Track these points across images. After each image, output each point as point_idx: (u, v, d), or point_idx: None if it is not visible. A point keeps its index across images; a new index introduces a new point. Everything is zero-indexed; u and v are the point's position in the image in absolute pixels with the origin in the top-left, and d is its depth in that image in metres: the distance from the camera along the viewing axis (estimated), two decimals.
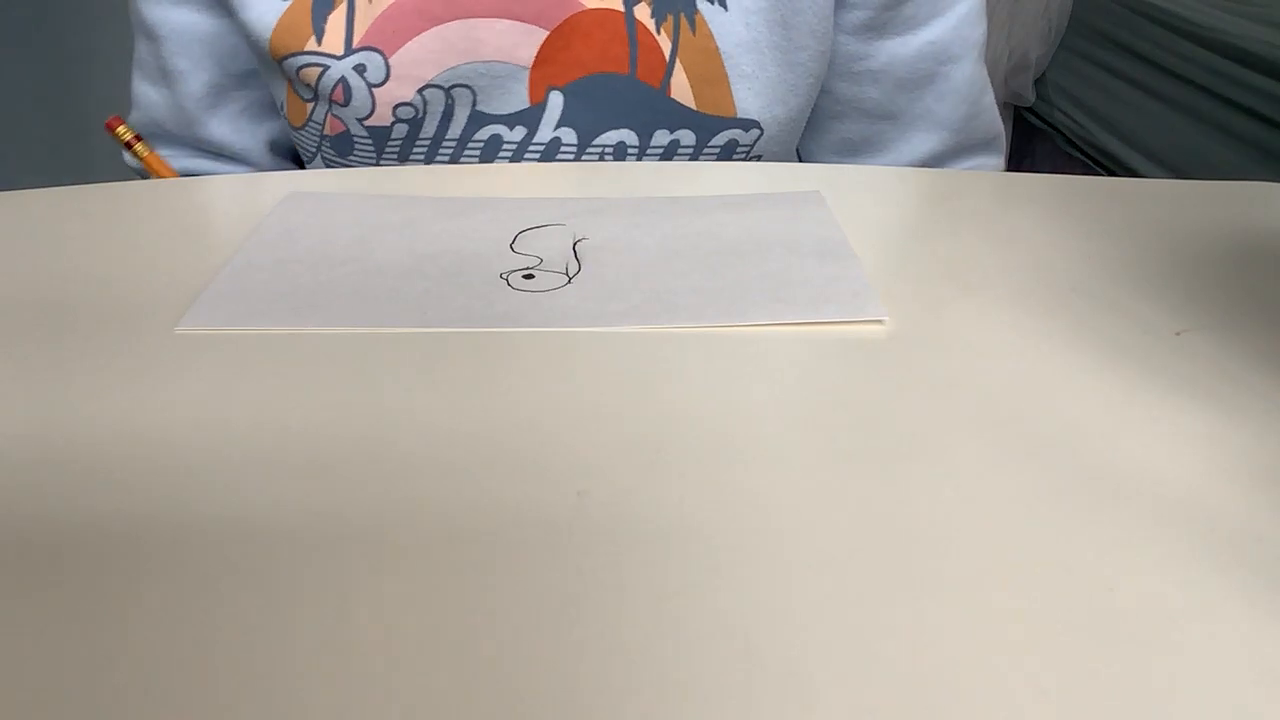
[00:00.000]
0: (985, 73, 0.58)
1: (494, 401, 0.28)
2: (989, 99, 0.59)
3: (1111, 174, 1.56)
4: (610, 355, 0.31)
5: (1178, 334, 0.32)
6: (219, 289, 0.34)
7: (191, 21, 0.56)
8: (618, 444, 0.26)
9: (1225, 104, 1.36)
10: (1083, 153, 1.68)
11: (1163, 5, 1.52)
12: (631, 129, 0.53)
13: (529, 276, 0.35)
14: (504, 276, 0.35)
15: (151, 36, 0.56)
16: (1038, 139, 1.85)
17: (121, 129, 0.52)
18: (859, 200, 0.43)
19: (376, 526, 0.23)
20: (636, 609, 0.21)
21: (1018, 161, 1.90)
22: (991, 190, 0.46)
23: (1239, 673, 0.20)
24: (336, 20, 0.51)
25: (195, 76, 0.57)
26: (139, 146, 0.52)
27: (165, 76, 0.57)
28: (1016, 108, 1.86)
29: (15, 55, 1.41)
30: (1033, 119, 1.83)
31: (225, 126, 0.59)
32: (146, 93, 0.58)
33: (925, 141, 0.58)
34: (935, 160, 0.59)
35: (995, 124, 0.60)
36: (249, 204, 0.41)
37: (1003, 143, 0.61)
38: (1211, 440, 0.27)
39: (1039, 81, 1.81)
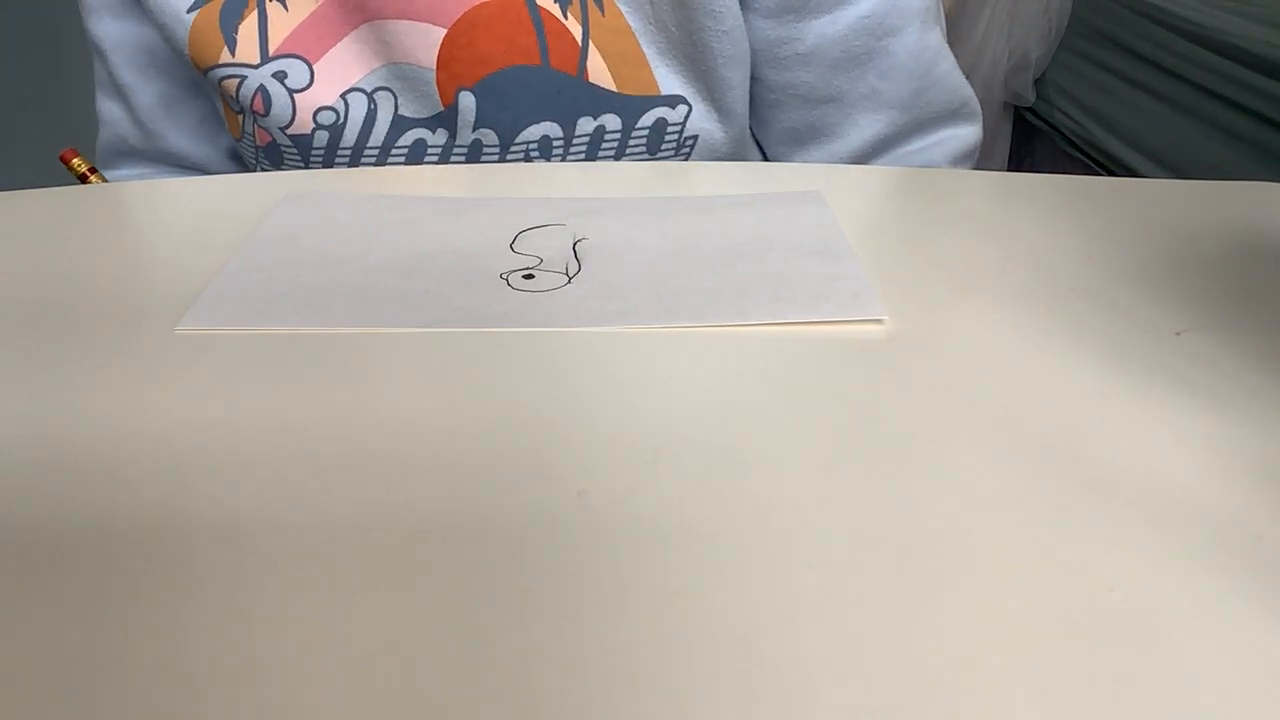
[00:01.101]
0: (938, 40, 0.55)
1: (494, 401, 0.28)
2: (944, 68, 0.55)
3: (1111, 174, 1.56)
4: (610, 355, 0.31)
5: (1178, 334, 0.32)
6: (219, 289, 0.34)
7: (133, 34, 0.55)
8: (618, 444, 0.26)
9: (1225, 104, 1.36)
10: (1083, 153, 1.68)
11: (1163, 5, 1.52)
12: (553, 121, 0.51)
13: (529, 276, 0.35)
14: (504, 276, 0.35)
15: (100, 52, 0.56)
16: (1038, 139, 1.85)
17: (76, 161, 0.50)
18: (859, 200, 0.43)
19: (376, 526, 0.23)
20: (636, 609, 0.21)
21: (1018, 161, 1.90)
22: (991, 190, 0.46)
23: (1239, 673, 0.20)
24: (248, 30, 0.51)
25: (144, 88, 0.56)
26: (94, 179, 0.51)
27: (118, 91, 0.57)
28: (1016, 108, 1.86)
29: (15, 55, 1.41)
30: (1033, 119, 1.83)
31: (184, 138, 0.58)
32: (109, 109, 0.58)
33: (874, 123, 0.55)
34: (892, 141, 0.56)
35: (957, 93, 0.56)
36: (249, 204, 0.41)
37: (973, 109, 0.57)
38: (1211, 440, 0.27)
39: (1039, 81, 1.81)
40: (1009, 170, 0.58)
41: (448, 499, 0.24)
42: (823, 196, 0.42)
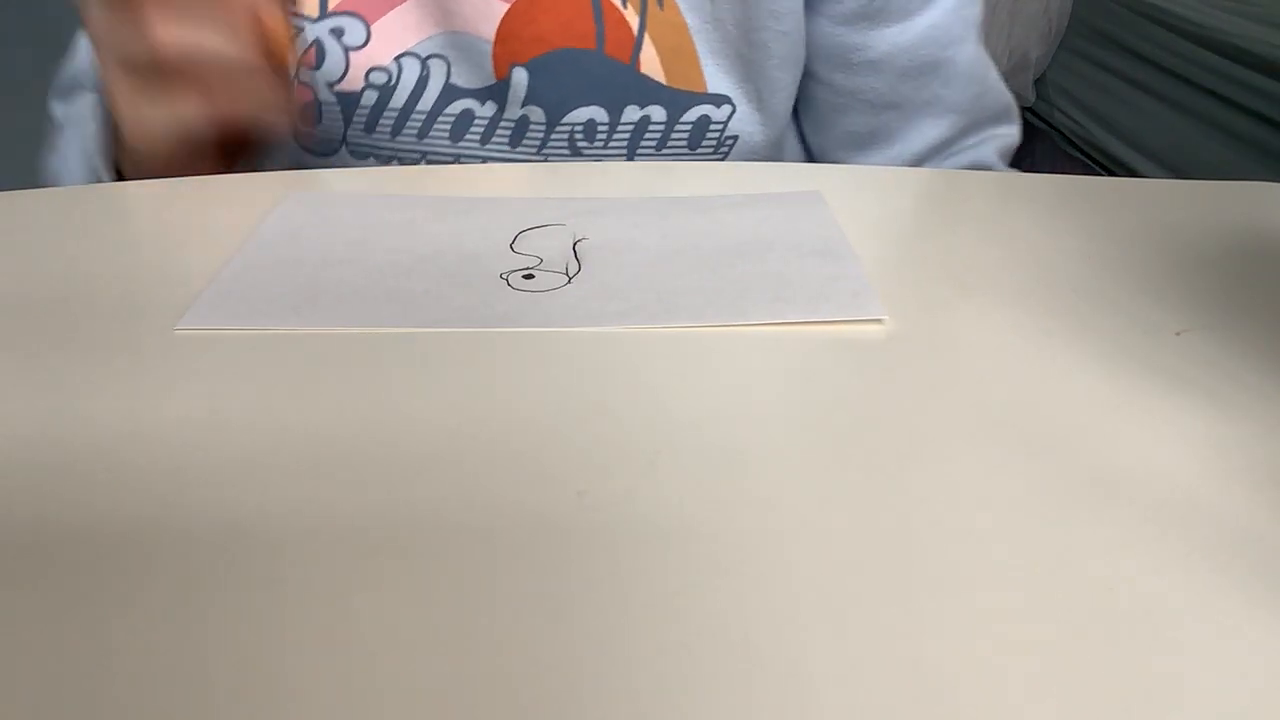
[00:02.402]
0: (985, 51, 0.57)
1: (494, 401, 0.28)
2: (995, 74, 0.58)
3: (1111, 174, 1.56)
4: (610, 355, 0.31)
5: (1178, 334, 0.32)
6: (219, 289, 0.34)
7: None
8: (618, 444, 0.26)
9: (1225, 104, 1.36)
10: (1083, 153, 1.68)
11: (1163, 5, 1.52)
12: (601, 106, 0.52)
13: (529, 276, 0.35)
14: (504, 276, 0.35)
15: None
16: (1038, 139, 1.85)
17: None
18: (859, 200, 0.43)
19: (376, 526, 0.23)
20: (636, 609, 0.21)
21: (1018, 161, 1.90)
22: (991, 190, 0.46)
23: (1239, 672, 0.20)
24: None
25: None
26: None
27: None
28: None
29: (15, 55, 1.41)
30: (1033, 119, 1.84)
31: None
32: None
33: (935, 127, 0.56)
34: (948, 142, 0.57)
35: (1004, 95, 0.59)
36: (249, 204, 0.41)
37: (1016, 111, 0.60)
38: (1211, 440, 0.27)
39: (1039, 81, 1.81)
40: (1009, 170, 0.59)
41: (448, 499, 0.24)
42: (823, 196, 0.42)
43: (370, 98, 0.53)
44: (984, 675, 0.20)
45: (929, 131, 0.56)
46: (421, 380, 0.29)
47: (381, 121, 0.53)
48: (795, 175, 0.46)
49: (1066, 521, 0.24)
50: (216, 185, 0.47)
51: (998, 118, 0.59)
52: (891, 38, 0.53)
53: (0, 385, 0.29)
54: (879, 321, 0.32)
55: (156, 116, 0.42)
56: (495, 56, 0.52)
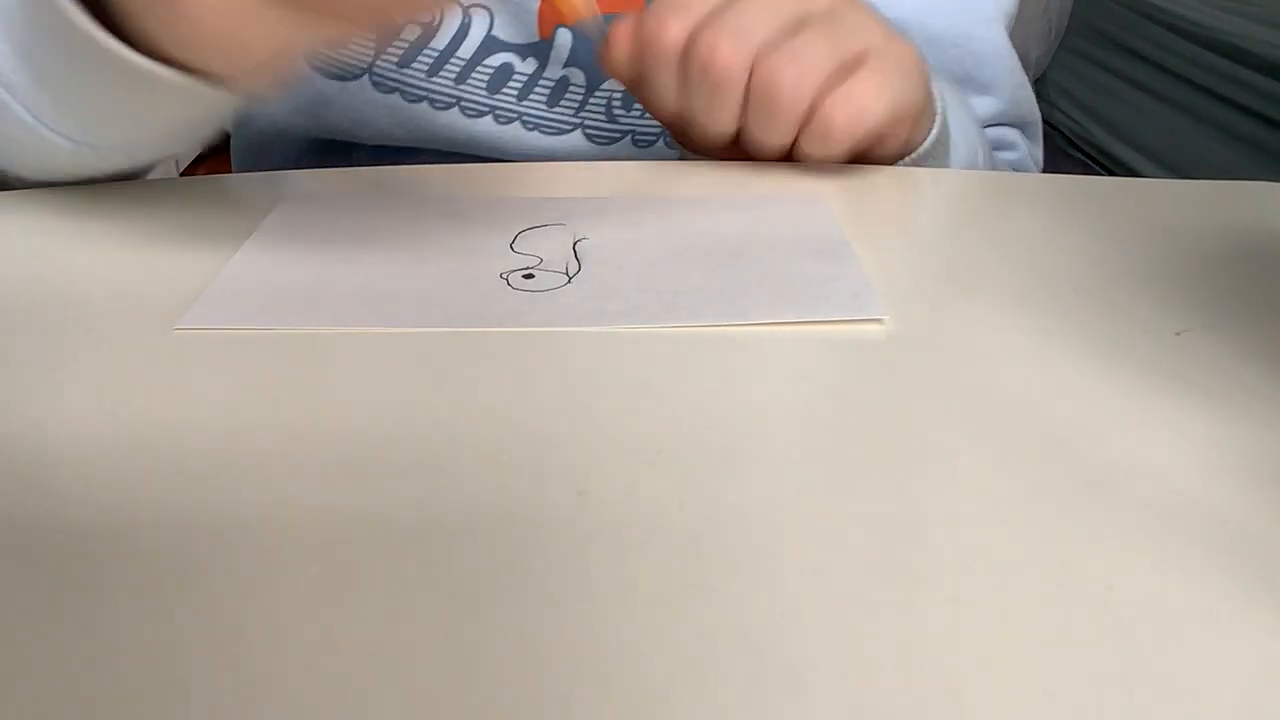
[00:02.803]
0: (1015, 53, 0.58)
1: (494, 401, 0.28)
2: (1028, 81, 0.58)
3: (1111, 174, 1.56)
4: (610, 355, 0.31)
5: (1178, 334, 0.32)
6: (219, 288, 0.34)
7: None
8: (618, 444, 0.26)
9: (1225, 104, 1.36)
10: (1083, 153, 1.67)
11: (1163, 5, 1.52)
12: None
13: (529, 276, 0.35)
14: (504, 276, 0.35)
15: None
16: None
17: None
18: (859, 200, 0.43)
19: (376, 526, 0.23)
20: (637, 609, 0.21)
21: None
22: (991, 190, 0.46)
23: (1239, 672, 0.20)
24: None
25: None
26: None
27: None
28: None
29: None
30: None
31: None
32: None
33: (973, 105, 0.56)
34: (983, 121, 0.57)
35: (1036, 109, 0.59)
36: (249, 204, 0.41)
37: (1040, 131, 0.61)
38: (1211, 440, 0.27)
39: (1039, 81, 1.81)
40: (1026, 156, 0.60)
41: (447, 499, 0.24)
42: (823, 196, 0.42)
43: (412, 31, 0.52)
44: (984, 675, 0.20)
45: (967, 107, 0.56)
46: (421, 380, 0.29)
47: (420, 59, 0.53)
48: (796, 175, 0.46)
49: (1066, 521, 0.24)
50: (216, 185, 0.47)
51: (1026, 126, 0.59)
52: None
53: (0, 384, 0.29)
54: (879, 321, 0.32)
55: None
56: (541, 15, 0.51)
